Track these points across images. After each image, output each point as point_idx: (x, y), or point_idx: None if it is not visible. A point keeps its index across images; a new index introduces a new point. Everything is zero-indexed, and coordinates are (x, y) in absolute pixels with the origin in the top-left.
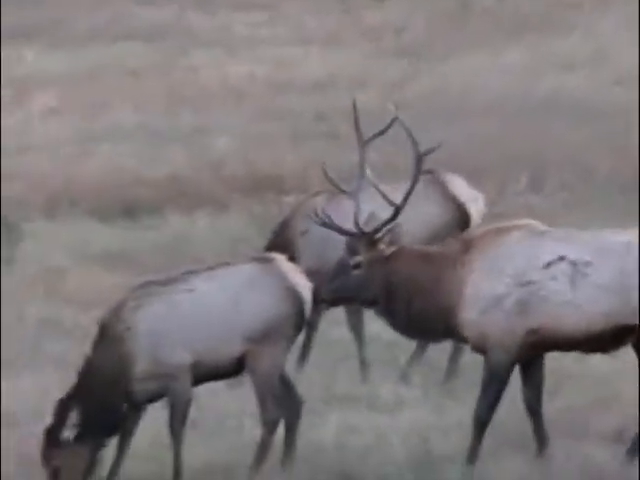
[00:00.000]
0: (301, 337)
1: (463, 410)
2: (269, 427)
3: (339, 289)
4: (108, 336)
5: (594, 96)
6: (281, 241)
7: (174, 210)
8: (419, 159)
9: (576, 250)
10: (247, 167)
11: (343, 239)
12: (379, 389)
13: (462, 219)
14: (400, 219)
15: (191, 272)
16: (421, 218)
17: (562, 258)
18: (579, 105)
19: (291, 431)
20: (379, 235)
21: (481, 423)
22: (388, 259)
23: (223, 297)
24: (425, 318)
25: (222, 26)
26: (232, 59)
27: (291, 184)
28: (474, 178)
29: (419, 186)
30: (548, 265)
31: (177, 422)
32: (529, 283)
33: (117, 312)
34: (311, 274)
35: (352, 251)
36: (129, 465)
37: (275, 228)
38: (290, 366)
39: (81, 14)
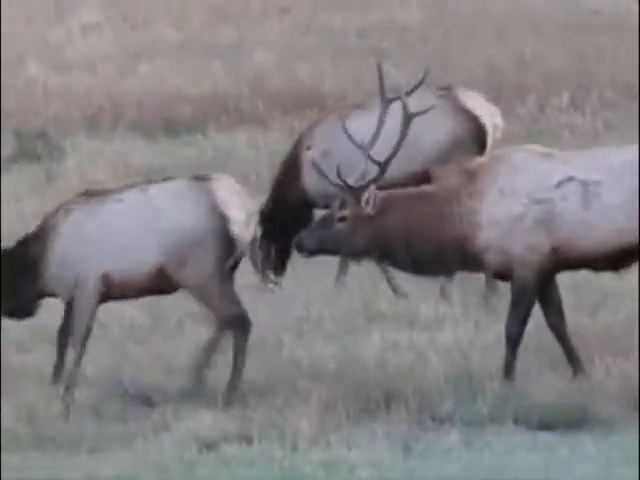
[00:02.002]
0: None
1: (502, 327)
2: (223, 323)
3: (320, 240)
4: (39, 231)
5: (636, 12)
6: (291, 158)
7: (215, 127)
8: (406, 118)
9: (584, 170)
10: (288, 83)
11: (344, 157)
12: (419, 307)
13: (479, 132)
14: (410, 137)
15: (134, 185)
16: (434, 134)
17: (571, 178)
18: (622, 23)
19: (240, 351)
20: (366, 195)
21: (513, 339)
22: (374, 217)
23: (145, 209)
24: (433, 257)
25: None
26: None
27: (332, 101)
28: (516, 95)
29: (432, 103)
30: (559, 185)
31: (77, 333)
32: (544, 201)
33: (55, 212)
34: (310, 189)
35: (341, 203)
36: (164, 380)
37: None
38: (329, 284)
39: None
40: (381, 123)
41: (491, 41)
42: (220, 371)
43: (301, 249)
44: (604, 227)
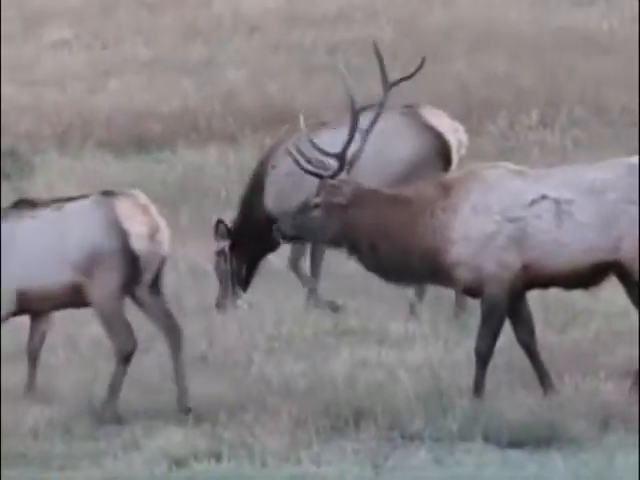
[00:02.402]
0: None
1: (472, 344)
2: (120, 357)
3: (297, 226)
4: None
5: (608, 31)
6: (257, 175)
7: (185, 143)
8: (354, 113)
9: (557, 188)
10: (259, 100)
11: (307, 178)
12: (388, 324)
13: (443, 149)
14: (375, 154)
15: (52, 201)
16: (399, 151)
17: (544, 197)
18: (592, 40)
19: (176, 360)
20: (334, 182)
21: (483, 357)
22: (347, 206)
23: (56, 227)
24: (399, 263)
25: None
26: None
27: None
28: (486, 113)
29: (396, 120)
30: (532, 203)
31: None
32: (517, 219)
33: None
34: (273, 209)
35: (318, 190)
36: (135, 399)
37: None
38: (299, 302)
39: None
40: (352, 132)
41: (461, 58)
42: (190, 388)
43: (280, 235)
44: (576, 245)
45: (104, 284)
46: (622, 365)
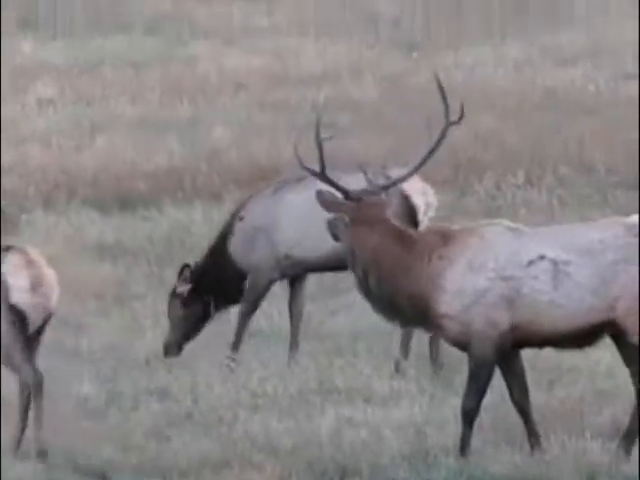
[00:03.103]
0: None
1: (458, 402)
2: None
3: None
4: None
5: (593, 91)
6: (226, 226)
7: (170, 201)
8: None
9: (555, 249)
10: (244, 158)
11: (275, 230)
12: (373, 382)
13: (409, 210)
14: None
15: None
16: None
17: (542, 257)
18: (578, 100)
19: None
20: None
21: (469, 415)
22: (355, 225)
23: None
24: (386, 297)
25: (220, 16)
26: (230, 49)
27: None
28: (473, 172)
29: (365, 178)
30: (529, 264)
31: None
32: (511, 278)
33: None
34: (237, 259)
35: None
36: (120, 455)
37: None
38: (284, 360)
39: (80, 4)
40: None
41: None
42: (174, 444)
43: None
44: (572, 307)
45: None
46: (608, 424)
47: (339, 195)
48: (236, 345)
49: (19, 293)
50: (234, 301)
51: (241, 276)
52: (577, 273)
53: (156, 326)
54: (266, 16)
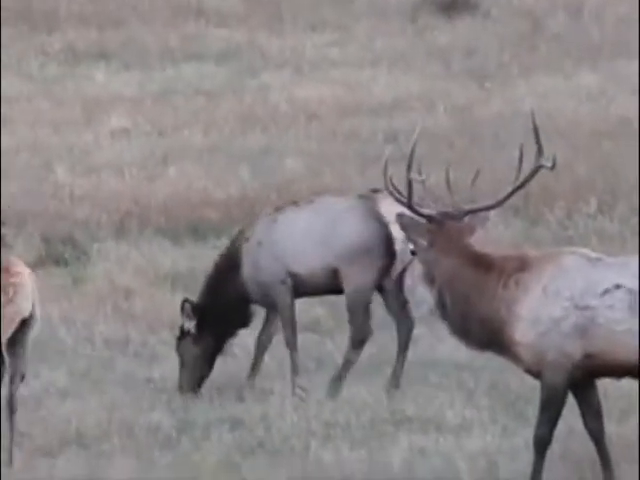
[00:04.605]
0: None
1: (530, 432)
2: None
3: None
4: None
5: None
6: (230, 250)
7: None
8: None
9: (632, 278)
10: (315, 188)
11: (280, 247)
12: (446, 412)
13: (386, 238)
14: (323, 230)
15: None
16: (345, 234)
17: (619, 286)
18: None
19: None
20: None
21: (541, 444)
22: (435, 248)
23: None
24: (460, 319)
25: (292, 47)
26: (301, 80)
27: None
28: (544, 202)
29: (350, 202)
30: (605, 292)
31: None
32: (587, 308)
33: None
34: (253, 284)
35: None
36: None
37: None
38: (354, 388)
39: (153, 35)
40: None
41: (517, 148)
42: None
43: None
44: None
45: None
46: None
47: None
48: (296, 371)
49: None
50: (242, 325)
51: (247, 300)
52: None
53: (227, 355)
54: (337, 47)
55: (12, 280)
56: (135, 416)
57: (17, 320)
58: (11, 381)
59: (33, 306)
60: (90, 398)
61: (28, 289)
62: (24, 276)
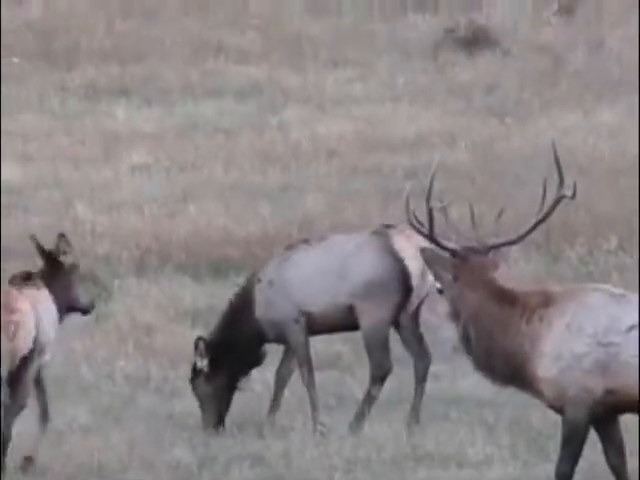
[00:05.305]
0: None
1: (552, 468)
2: None
3: None
4: None
5: None
6: (244, 290)
7: None
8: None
9: None
10: (336, 225)
11: (292, 286)
12: (467, 448)
13: (402, 274)
14: (338, 267)
15: None
16: (360, 271)
17: None
18: None
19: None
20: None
21: (563, 479)
22: (460, 282)
23: None
24: (484, 354)
25: (313, 84)
26: (323, 116)
27: None
28: (564, 238)
29: (365, 238)
30: (629, 329)
31: None
32: (610, 344)
33: None
34: (266, 323)
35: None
36: None
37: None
38: (376, 424)
39: (174, 71)
40: None
41: (539, 183)
42: None
43: None
44: None
45: None
46: None
47: (443, 252)
48: (315, 407)
49: None
50: (255, 364)
51: (261, 339)
52: None
53: (247, 390)
54: (359, 83)
55: (13, 318)
56: (156, 452)
57: (17, 357)
58: (8, 413)
59: (36, 339)
60: (112, 434)
61: (29, 326)
62: (24, 313)
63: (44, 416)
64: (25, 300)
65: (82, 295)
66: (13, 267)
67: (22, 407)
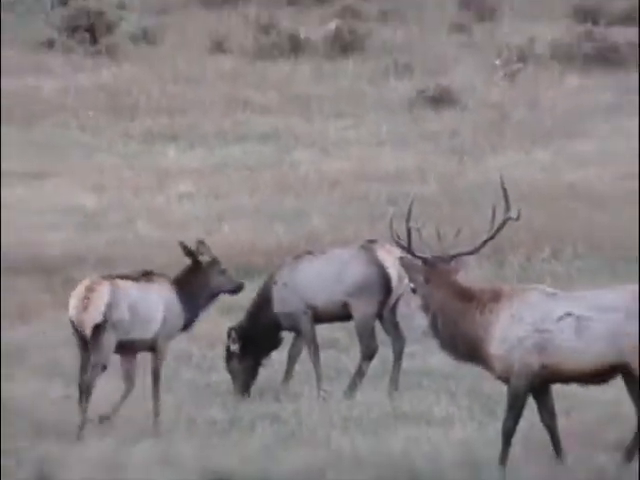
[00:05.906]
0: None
1: (500, 426)
2: None
3: None
4: None
5: (603, 188)
6: (264, 290)
7: None
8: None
9: (580, 308)
10: (336, 241)
11: (301, 287)
12: (434, 409)
13: (384, 280)
14: (333, 273)
15: None
16: (352, 275)
17: (569, 314)
18: (592, 194)
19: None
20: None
21: (507, 434)
22: (430, 284)
23: None
24: (449, 338)
25: (318, 131)
26: (326, 156)
27: None
28: (509, 248)
29: (354, 251)
30: (559, 319)
31: None
32: (544, 331)
33: None
34: (282, 315)
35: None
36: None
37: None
38: (367, 390)
39: (211, 120)
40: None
41: (490, 208)
42: (282, 458)
43: None
44: (590, 352)
45: None
46: (615, 441)
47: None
48: (319, 378)
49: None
50: (276, 346)
51: (279, 327)
52: (595, 326)
53: (267, 366)
54: (353, 130)
55: (88, 295)
56: (197, 412)
57: (89, 325)
58: (88, 371)
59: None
60: (164, 399)
61: (99, 303)
62: (99, 294)
63: (129, 383)
64: (105, 285)
65: (227, 281)
66: (85, 275)
67: (101, 367)
